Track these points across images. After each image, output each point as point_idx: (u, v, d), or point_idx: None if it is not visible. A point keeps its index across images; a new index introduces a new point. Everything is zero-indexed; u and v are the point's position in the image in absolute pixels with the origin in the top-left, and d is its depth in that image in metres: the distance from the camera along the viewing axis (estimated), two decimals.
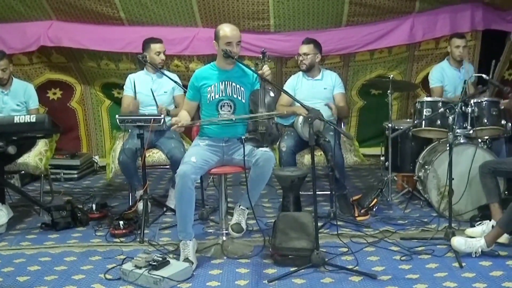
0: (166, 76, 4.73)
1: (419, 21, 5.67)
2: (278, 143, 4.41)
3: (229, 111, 3.74)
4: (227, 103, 3.74)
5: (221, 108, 3.74)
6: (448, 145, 3.98)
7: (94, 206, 4.52)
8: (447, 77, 5.13)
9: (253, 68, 3.81)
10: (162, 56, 4.79)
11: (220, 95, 3.74)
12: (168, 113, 4.25)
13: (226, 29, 3.71)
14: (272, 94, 3.76)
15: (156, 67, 4.75)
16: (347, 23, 5.61)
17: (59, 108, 6.20)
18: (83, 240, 4.06)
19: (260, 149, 3.59)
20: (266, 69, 3.63)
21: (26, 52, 5.78)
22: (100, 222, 4.39)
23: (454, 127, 3.76)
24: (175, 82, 4.73)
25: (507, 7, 5.69)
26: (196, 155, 3.59)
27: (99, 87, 6.23)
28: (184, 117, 3.70)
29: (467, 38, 5.28)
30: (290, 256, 3.53)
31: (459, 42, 5.01)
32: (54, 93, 6.20)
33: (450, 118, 3.70)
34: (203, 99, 3.79)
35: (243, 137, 3.53)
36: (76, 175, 5.91)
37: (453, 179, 3.70)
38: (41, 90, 6.06)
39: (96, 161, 6.31)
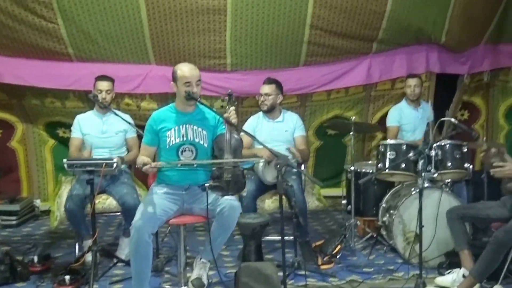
0: (118, 116, 4.43)
1: (376, 61, 5.68)
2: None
3: (191, 156, 3.50)
4: (188, 148, 3.50)
5: (181, 153, 3.50)
6: (415, 190, 3.89)
7: (35, 258, 4.10)
8: (405, 117, 5.13)
9: (215, 110, 3.58)
10: (104, 95, 4.47)
11: (181, 140, 3.50)
12: (122, 161, 3.94)
13: (184, 69, 3.51)
14: (236, 136, 3.53)
15: (103, 105, 4.46)
16: (304, 63, 5.53)
17: None
18: None
19: (225, 197, 3.35)
20: (232, 113, 3.41)
21: None
22: (42, 276, 3.99)
23: (424, 173, 3.64)
24: (129, 123, 4.44)
25: (461, 49, 5.77)
26: (154, 205, 3.32)
27: (42, 125, 5.84)
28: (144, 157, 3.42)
29: (422, 79, 5.27)
30: None
31: (410, 81, 5.12)
32: None
33: (420, 163, 3.59)
34: (162, 143, 3.53)
35: (206, 184, 3.28)
36: (15, 222, 5.45)
37: (423, 226, 3.56)
38: None
39: (37, 205, 5.87)
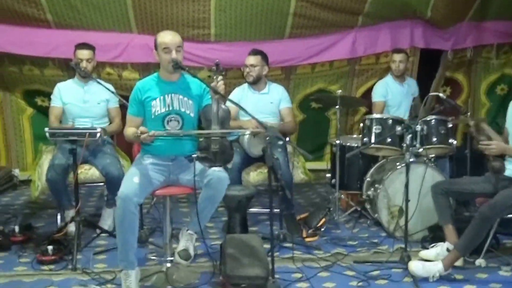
0: (103, 85, 4.32)
1: (361, 36, 5.66)
2: None
3: (177, 126, 3.42)
4: (174, 117, 3.42)
5: (167, 123, 3.41)
6: (401, 164, 3.89)
7: (17, 227, 4.01)
8: (391, 92, 5.12)
9: (201, 79, 3.50)
10: (84, 64, 4.34)
11: (167, 109, 3.41)
12: (105, 132, 3.84)
13: (163, 35, 3.43)
14: (224, 107, 3.47)
15: (84, 76, 4.35)
16: (290, 35, 5.47)
17: None
18: (5, 268, 3.58)
19: (213, 168, 3.30)
20: (220, 83, 3.32)
21: None
22: (24, 246, 3.90)
23: (411, 148, 3.64)
24: (112, 92, 4.34)
25: (446, 25, 5.77)
26: (139, 175, 3.25)
27: (20, 94, 5.68)
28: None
29: (408, 54, 5.26)
30: (243, 285, 3.24)
31: (396, 57, 5.10)
32: None
33: (407, 138, 3.58)
34: (147, 113, 3.44)
35: (194, 155, 3.23)
36: None
37: (409, 200, 3.58)
38: None
39: (16, 175, 5.74)
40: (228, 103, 3.57)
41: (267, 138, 3.05)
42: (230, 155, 3.40)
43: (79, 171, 4.04)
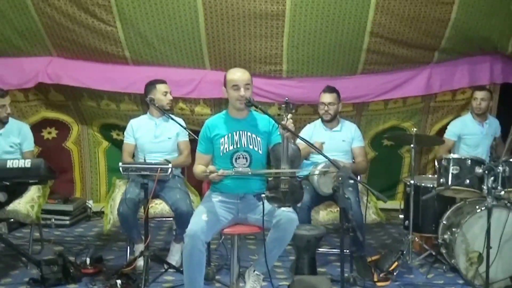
0: (173, 119, 4.40)
1: (437, 71, 5.49)
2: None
3: (245, 164, 3.41)
4: (242, 155, 3.42)
5: (235, 161, 3.41)
6: (481, 208, 3.69)
7: (88, 259, 4.09)
8: (468, 131, 4.90)
9: (271, 115, 3.46)
10: (170, 97, 4.51)
11: (235, 147, 3.41)
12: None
13: (233, 72, 3.45)
14: (293, 146, 3.40)
15: (163, 109, 4.44)
16: (362, 71, 5.38)
17: (53, 148, 5.83)
18: None
19: (282, 209, 3.23)
20: (290, 121, 3.27)
21: (23, 89, 5.44)
22: (94, 278, 3.97)
23: (493, 190, 3.43)
24: (181, 126, 4.40)
25: None
26: (208, 212, 3.24)
27: (97, 127, 5.88)
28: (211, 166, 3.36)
29: (491, 92, 5.02)
30: None
31: (478, 94, 4.88)
32: (49, 132, 5.83)
33: (490, 180, 3.38)
34: (216, 151, 3.46)
35: (263, 195, 3.18)
36: (68, 222, 5.49)
37: (491, 247, 3.36)
38: (36, 128, 5.67)
39: (90, 206, 5.90)
40: (298, 141, 3.51)
41: (340, 178, 2.95)
42: (300, 195, 3.32)
43: (150, 206, 4.09)
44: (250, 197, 3.40)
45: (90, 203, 5.92)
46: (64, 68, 5.30)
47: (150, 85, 4.52)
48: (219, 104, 5.45)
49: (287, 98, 3.50)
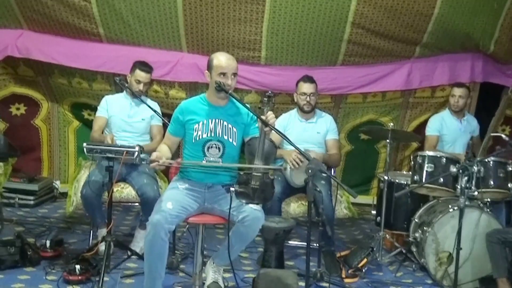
0: (146, 104, 4.27)
1: (417, 67, 5.40)
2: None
3: (217, 154, 3.27)
4: (215, 144, 3.27)
5: (207, 150, 3.27)
6: (453, 207, 3.63)
7: (48, 242, 3.93)
8: (446, 127, 4.83)
9: (251, 109, 3.31)
10: (141, 87, 4.32)
11: (208, 135, 3.26)
12: (142, 150, 3.73)
13: (221, 58, 3.26)
14: (270, 142, 3.26)
15: (132, 93, 4.29)
16: (342, 62, 5.26)
17: (21, 125, 5.64)
18: (30, 284, 3.49)
19: (250, 205, 3.11)
20: (271, 116, 3.13)
21: None
22: (53, 262, 3.81)
23: (466, 190, 3.35)
24: (154, 111, 4.27)
25: (508, 60, 5.45)
26: (173, 200, 3.10)
27: (68, 106, 5.69)
28: (165, 153, 3.24)
29: (469, 89, 4.96)
30: None
31: (456, 91, 4.80)
32: (18, 108, 5.62)
33: (463, 180, 3.31)
34: (188, 136, 3.31)
35: (232, 189, 3.05)
36: (32, 202, 5.30)
37: (461, 248, 3.30)
38: (4, 104, 5.54)
39: (56, 186, 5.72)
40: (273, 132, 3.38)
41: (310, 171, 2.84)
42: (270, 194, 3.21)
43: (115, 189, 3.95)
44: (218, 187, 3.28)
45: (57, 183, 5.75)
46: (35, 42, 5.08)
47: (134, 66, 4.39)
48: (194, 88, 5.30)
49: (270, 91, 3.37)
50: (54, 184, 5.72)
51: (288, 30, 4.94)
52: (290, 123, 4.40)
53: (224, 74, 3.19)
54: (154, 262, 2.99)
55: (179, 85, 5.36)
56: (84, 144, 3.61)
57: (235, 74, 3.24)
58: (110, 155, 3.56)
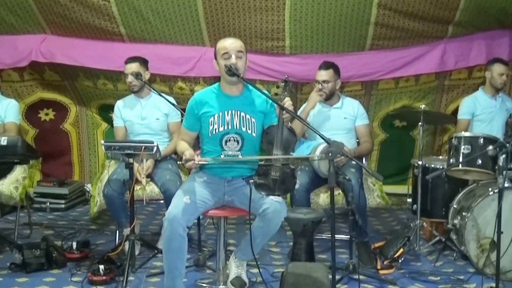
0: (161, 96, 4.10)
1: (451, 47, 5.11)
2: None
3: (236, 147, 3.12)
4: (233, 137, 3.11)
5: (225, 144, 3.12)
6: (493, 190, 3.38)
7: (74, 244, 3.88)
8: (480, 106, 4.48)
9: (267, 93, 3.16)
10: (130, 79, 4.16)
11: (225, 128, 3.11)
12: (159, 153, 3.61)
13: (222, 40, 3.13)
14: (289, 130, 3.10)
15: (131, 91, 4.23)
16: (371, 47, 5.04)
17: (51, 130, 5.69)
18: (55, 286, 3.43)
19: (271, 197, 2.95)
20: (288, 103, 2.97)
21: (17, 68, 5.25)
22: (79, 263, 3.76)
23: (504, 171, 3.10)
24: (172, 104, 4.15)
25: None
26: (191, 193, 2.98)
27: (95, 108, 5.70)
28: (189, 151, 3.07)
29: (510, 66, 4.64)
30: None
31: (504, 69, 4.40)
32: (47, 114, 5.66)
33: (501, 158, 3.06)
34: (204, 130, 3.17)
35: (251, 181, 2.91)
36: (63, 205, 5.30)
37: (502, 232, 3.05)
38: (33, 110, 5.58)
39: (88, 189, 5.70)
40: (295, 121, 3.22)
41: (330, 154, 2.66)
42: (291, 185, 3.06)
43: (138, 187, 3.87)
44: (239, 180, 3.14)
45: (88, 186, 5.74)
46: (58, 45, 5.10)
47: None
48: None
49: (286, 76, 3.21)
50: (85, 187, 5.71)
51: (311, 16, 4.76)
52: (313, 111, 4.21)
53: (226, 53, 3.03)
54: (173, 260, 2.87)
55: (204, 80, 5.27)
56: (102, 142, 3.53)
57: (241, 54, 3.06)
58: (128, 151, 3.46)
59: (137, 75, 4.11)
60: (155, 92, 4.13)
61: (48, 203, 5.28)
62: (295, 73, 5.04)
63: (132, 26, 4.93)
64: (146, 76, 4.24)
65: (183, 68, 5.14)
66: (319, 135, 2.84)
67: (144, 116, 4.20)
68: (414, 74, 5.23)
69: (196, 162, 2.93)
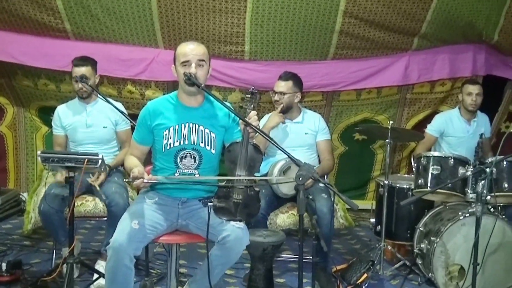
0: (109, 102, 3.71)
1: (415, 60, 4.98)
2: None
3: (192, 164, 2.80)
4: (190, 153, 2.79)
5: (181, 160, 2.79)
6: (464, 214, 3.20)
7: (4, 265, 3.43)
8: (452, 128, 4.40)
9: (230, 105, 2.84)
10: (79, 86, 3.76)
11: (181, 143, 2.78)
12: (110, 169, 3.19)
13: (183, 45, 2.80)
14: (254, 148, 2.78)
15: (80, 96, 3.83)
16: (334, 56, 4.82)
17: None
18: None
19: (232, 223, 2.65)
20: (254, 117, 2.67)
21: None
22: (9, 287, 3.32)
23: (483, 197, 2.90)
24: (121, 112, 3.77)
25: None
26: (139, 217, 2.62)
27: (35, 110, 5.22)
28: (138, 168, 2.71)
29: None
30: None
31: (472, 88, 4.28)
32: None
33: (480, 184, 2.86)
34: (157, 144, 2.82)
35: (210, 204, 2.58)
36: None
37: (478, 264, 2.84)
38: None
39: (24, 199, 5.20)
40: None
41: (300, 178, 2.37)
42: (255, 209, 2.75)
43: (79, 203, 3.48)
44: (194, 202, 2.80)
45: (24, 195, 5.23)
46: None
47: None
48: (173, 87, 4.81)
49: (253, 88, 2.89)
50: (21, 196, 5.22)
51: (273, 21, 4.49)
52: None
53: (187, 61, 2.71)
54: None
55: (155, 84, 4.93)
56: (38, 153, 3.08)
57: (202, 62, 2.75)
58: (69, 165, 3.05)
59: (85, 79, 3.70)
60: (102, 98, 3.73)
61: None
62: (254, 80, 4.76)
63: (79, 23, 4.53)
64: (96, 80, 3.85)
65: (134, 71, 4.78)
66: (290, 157, 2.53)
67: (89, 124, 3.80)
68: (377, 86, 5.06)
69: (146, 181, 2.58)
